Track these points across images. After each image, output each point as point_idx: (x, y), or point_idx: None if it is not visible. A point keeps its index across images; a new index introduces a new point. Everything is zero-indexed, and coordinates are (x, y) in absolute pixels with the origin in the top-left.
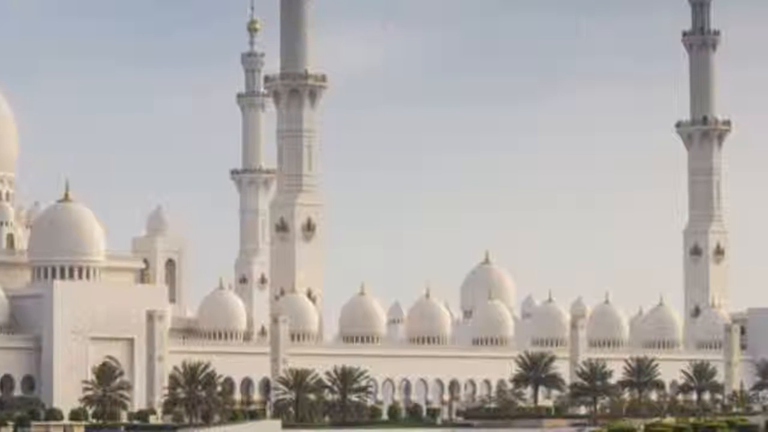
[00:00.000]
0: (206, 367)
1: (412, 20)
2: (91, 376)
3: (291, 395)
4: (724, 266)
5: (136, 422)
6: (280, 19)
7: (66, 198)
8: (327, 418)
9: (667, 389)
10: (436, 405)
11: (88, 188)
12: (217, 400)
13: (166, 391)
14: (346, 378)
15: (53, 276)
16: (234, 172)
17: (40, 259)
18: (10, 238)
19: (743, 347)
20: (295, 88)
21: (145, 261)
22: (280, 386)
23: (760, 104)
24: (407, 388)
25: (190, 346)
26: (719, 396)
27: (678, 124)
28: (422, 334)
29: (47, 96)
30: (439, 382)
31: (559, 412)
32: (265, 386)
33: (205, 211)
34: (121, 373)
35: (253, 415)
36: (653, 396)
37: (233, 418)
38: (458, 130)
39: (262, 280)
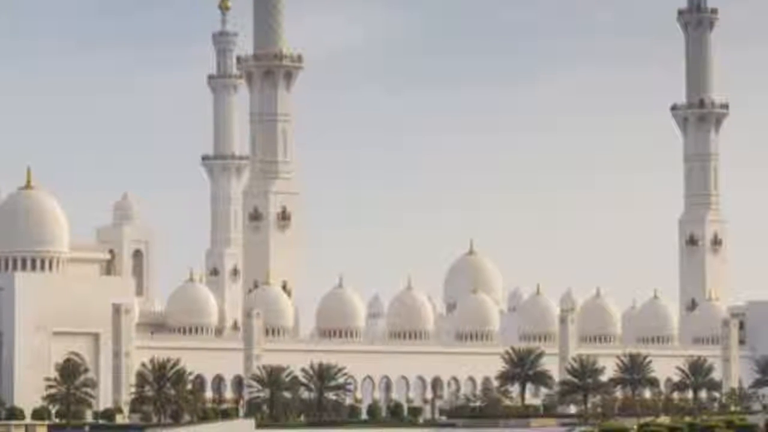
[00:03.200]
0: (175, 363)
1: None
2: (54, 373)
3: (265, 393)
4: (722, 257)
5: (101, 422)
6: None
7: (28, 185)
8: (303, 418)
9: (662, 387)
10: (417, 404)
11: (51, 175)
12: (187, 399)
13: (133, 389)
14: (323, 375)
15: (14, 268)
16: (205, 158)
17: (0, 250)
18: None
19: (742, 342)
20: (270, 69)
21: (111, 252)
22: (254, 384)
23: (760, 86)
24: (387, 386)
25: (158, 342)
26: (717, 394)
27: (673, 107)
28: (403, 328)
29: (7, 79)
30: (421, 379)
31: (547, 411)
32: (238, 384)
33: (175, 199)
34: (86, 370)
35: (225, 414)
36: (647, 394)
37: (204, 417)
38: (442, 114)
39: (235, 272)
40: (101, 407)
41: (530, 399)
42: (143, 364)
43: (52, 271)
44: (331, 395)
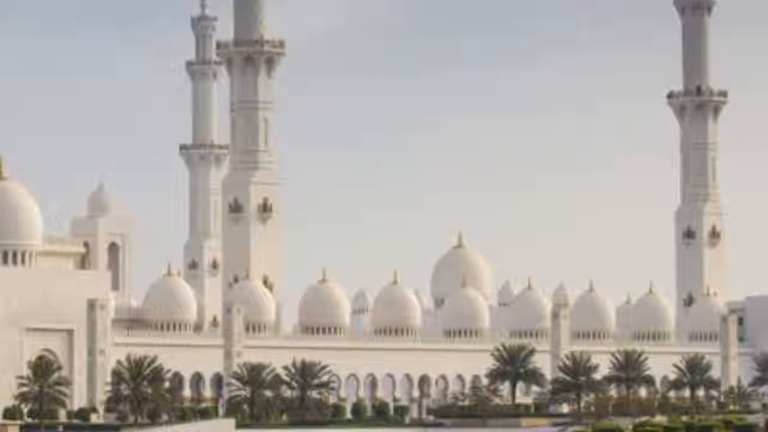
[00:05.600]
0: (153, 361)
1: None
2: (26, 371)
3: (246, 392)
4: (720, 250)
5: (76, 421)
6: None
7: None
8: (285, 417)
9: (658, 385)
10: (404, 402)
11: (24, 165)
12: (165, 398)
13: (109, 388)
14: (305, 373)
15: None
16: (183, 148)
17: None
18: None
19: (741, 339)
20: (251, 55)
21: (86, 244)
22: (234, 382)
23: (760, 73)
24: (373, 384)
25: (135, 338)
26: (715, 393)
27: (670, 95)
28: (389, 324)
29: None
30: (408, 377)
31: (539, 410)
32: (218, 382)
33: (152, 190)
34: (60, 368)
35: (204, 414)
36: (642, 393)
37: (182, 416)
38: (429, 100)
39: (214, 266)
40: (75, 406)
41: (521, 398)
42: (119, 362)
43: (25, 264)
44: (314, 394)
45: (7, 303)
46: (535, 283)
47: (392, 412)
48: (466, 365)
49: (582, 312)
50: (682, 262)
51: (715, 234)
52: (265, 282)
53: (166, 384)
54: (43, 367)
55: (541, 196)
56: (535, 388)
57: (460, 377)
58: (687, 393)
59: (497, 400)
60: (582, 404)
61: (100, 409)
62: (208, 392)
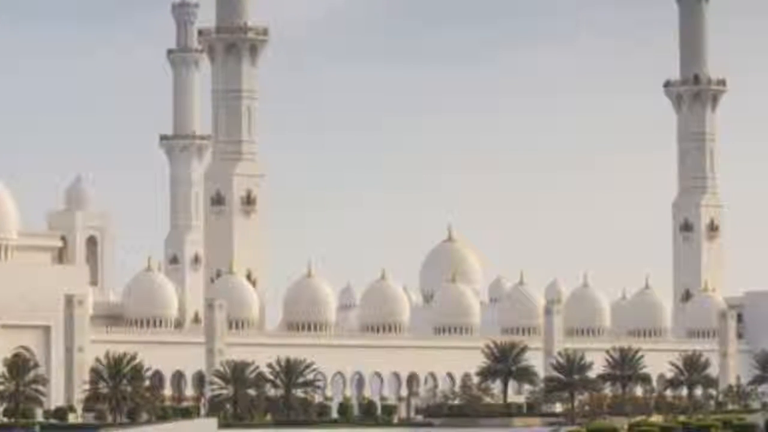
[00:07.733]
0: (132, 358)
1: None
2: (1, 369)
3: (228, 390)
4: (719, 244)
5: (53, 421)
6: None
7: None
8: (269, 417)
9: (654, 384)
10: (392, 401)
11: None
12: (145, 397)
13: (87, 386)
14: (290, 371)
15: None
16: (164, 138)
17: None
18: None
19: (740, 336)
20: (233, 42)
21: (63, 238)
22: (216, 380)
23: (759, 61)
24: (360, 383)
25: (114, 335)
26: (713, 391)
27: (666, 84)
28: (377, 321)
29: None
30: (396, 375)
31: (531, 409)
32: (199, 380)
33: (131, 182)
34: (36, 366)
35: (186, 413)
36: (638, 391)
37: (163, 416)
38: (418, 91)
39: (196, 261)
40: (52, 406)
41: (513, 396)
42: (98, 360)
43: (0, 259)
44: (299, 392)
45: None
46: (527, 278)
47: (380, 412)
48: (456, 363)
49: (576, 308)
50: (679, 256)
51: (713, 227)
52: (248, 277)
53: (146, 382)
54: (18, 365)
55: (534, 190)
56: (527, 387)
57: (450, 375)
58: (684, 392)
59: (488, 399)
60: (576, 403)
61: (78, 408)
62: (189, 391)
